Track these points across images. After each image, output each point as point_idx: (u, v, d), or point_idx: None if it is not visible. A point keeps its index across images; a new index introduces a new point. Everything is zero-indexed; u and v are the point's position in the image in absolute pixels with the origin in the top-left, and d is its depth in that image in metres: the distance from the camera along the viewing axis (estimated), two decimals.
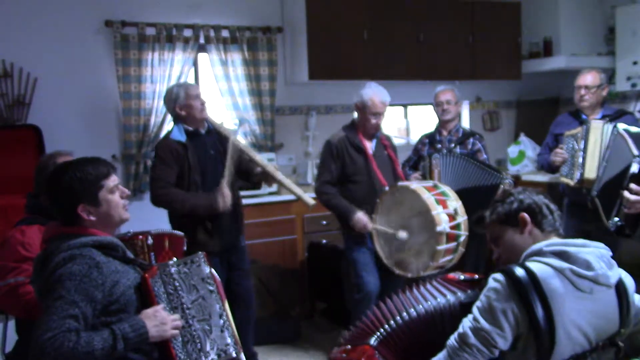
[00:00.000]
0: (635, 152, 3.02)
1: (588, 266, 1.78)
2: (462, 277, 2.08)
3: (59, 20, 4.20)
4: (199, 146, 3.37)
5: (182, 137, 3.32)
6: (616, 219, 3.02)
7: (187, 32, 4.50)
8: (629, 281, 1.91)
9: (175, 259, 2.07)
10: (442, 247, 3.07)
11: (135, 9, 4.40)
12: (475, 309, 1.82)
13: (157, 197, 3.32)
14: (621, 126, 3.31)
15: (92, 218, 1.91)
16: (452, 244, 3.12)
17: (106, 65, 4.34)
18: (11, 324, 2.71)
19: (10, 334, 2.76)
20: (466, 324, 1.82)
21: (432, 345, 1.90)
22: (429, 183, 3.37)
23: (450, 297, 2.02)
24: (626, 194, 2.76)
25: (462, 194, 3.42)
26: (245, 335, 3.53)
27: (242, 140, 3.48)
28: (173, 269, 1.97)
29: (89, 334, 1.73)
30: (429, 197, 3.11)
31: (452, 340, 1.83)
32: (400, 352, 2.05)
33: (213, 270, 2.13)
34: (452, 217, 3.12)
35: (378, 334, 2.07)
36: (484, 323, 1.77)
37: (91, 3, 4.29)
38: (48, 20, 4.16)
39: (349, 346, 2.10)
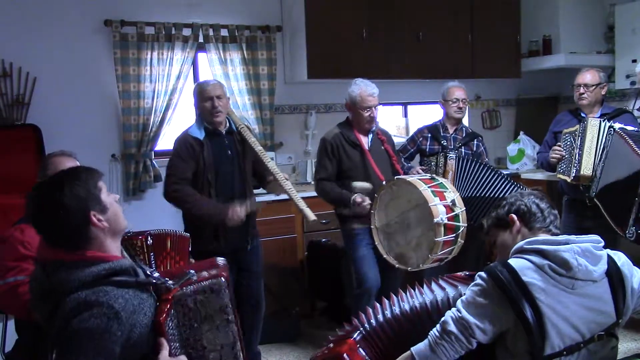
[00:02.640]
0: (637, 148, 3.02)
1: (565, 265, 1.82)
2: (467, 273, 2.14)
3: (58, 20, 4.20)
4: (216, 145, 3.36)
5: (199, 134, 3.34)
6: (634, 228, 3.03)
7: (186, 31, 4.50)
8: (627, 268, 1.92)
9: (192, 272, 1.83)
10: (440, 238, 3.06)
11: (134, 8, 4.40)
12: (459, 302, 1.90)
13: (169, 192, 3.32)
14: (617, 125, 3.32)
15: (105, 224, 1.70)
16: (451, 236, 3.11)
17: (105, 64, 4.34)
18: (11, 323, 2.72)
19: (10, 333, 2.76)
20: (448, 313, 1.90)
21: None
22: (426, 176, 3.37)
23: (451, 291, 2.06)
24: None
25: (476, 201, 3.43)
26: (251, 336, 3.53)
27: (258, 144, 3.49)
28: (189, 299, 1.77)
29: None
30: (425, 190, 3.12)
31: (434, 330, 1.91)
32: (386, 346, 2.09)
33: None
34: (449, 208, 3.12)
35: (362, 329, 2.13)
36: (465, 314, 1.85)
37: (90, 2, 4.29)
38: (47, 19, 4.16)
39: (331, 345, 2.14)
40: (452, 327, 1.85)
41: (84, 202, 1.67)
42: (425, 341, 1.90)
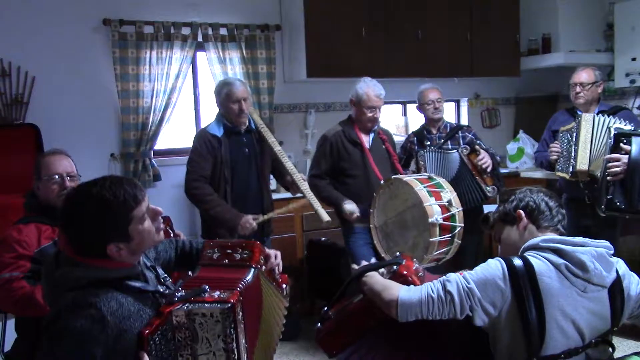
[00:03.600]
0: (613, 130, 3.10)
1: (582, 267, 1.81)
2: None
3: (57, 19, 4.19)
4: (234, 143, 3.45)
5: (218, 132, 3.43)
6: (609, 196, 3.10)
7: (185, 30, 4.50)
8: (627, 277, 1.92)
9: (206, 288, 1.77)
10: (436, 239, 3.05)
11: (133, 7, 4.39)
12: (466, 273, 1.85)
13: (189, 189, 3.41)
14: (614, 125, 3.35)
15: (124, 254, 1.69)
16: (447, 236, 3.09)
17: (104, 63, 4.33)
18: (10, 323, 2.71)
19: (9, 333, 2.75)
20: (454, 276, 1.85)
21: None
22: (424, 175, 3.37)
23: None
24: (609, 163, 2.89)
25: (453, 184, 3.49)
26: None
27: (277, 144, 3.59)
28: (187, 318, 1.71)
29: None
30: (421, 189, 3.10)
31: (431, 283, 1.85)
32: None
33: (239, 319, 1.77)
34: (445, 208, 3.10)
35: None
36: (473, 286, 1.80)
37: (89, 2, 4.29)
38: (46, 19, 4.16)
39: (423, 274, 2.07)
40: (452, 289, 1.80)
41: (103, 235, 1.66)
42: (417, 289, 1.85)
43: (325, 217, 3.34)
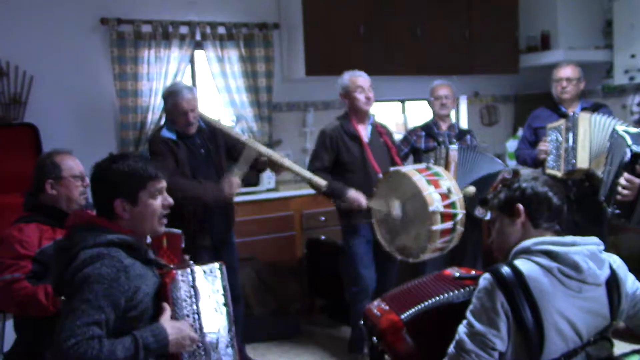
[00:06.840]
0: (630, 141, 3.02)
1: (576, 267, 1.77)
2: (457, 274, 2.05)
3: (55, 19, 4.19)
4: (189, 147, 3.38)
5: (172, 136, 3.35)
6: (610, 208, 3.08)
7: (183, 29, 4.49)
8: (622, 271, 1.90)
9: (192, 263, 2.00)
10: (438, 227, 3.04)
11: (131, 6, 4.39)
12: (468, 314, 1.80)
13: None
14: (620, 128, 3.31)
15: (126, 215, 1.89)
16: (449, 223, 3.08)
17: (102, 63, 4.32)
18: (9, 323, 2.71)
19: (8, 333, 2.75)
20: (461, 330, 1.79)
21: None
22: (421, 165, 3.37)
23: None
24: (621, 180, 2.83)
25: (475, 184, 3.58)
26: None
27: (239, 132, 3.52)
28: (190, 277, 1.93)
29: (112, 342, 1.71)
30: (419, 179, 3.10)
31: (451, 348, 1.81)
32: (424, 337, 1.99)
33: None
34: (445, 196, 3.09)
35: (412, 310, 1.99)
36: (478, 326, 1.75)
37: (87, 1, 4.28)
38: (44, 18, 4.15)
39: (388, 307, 2.03)
40: (469, 345, 1.74)
41: (116, 188, 1.88)
42: None
43: (322, 181, 3.31)
